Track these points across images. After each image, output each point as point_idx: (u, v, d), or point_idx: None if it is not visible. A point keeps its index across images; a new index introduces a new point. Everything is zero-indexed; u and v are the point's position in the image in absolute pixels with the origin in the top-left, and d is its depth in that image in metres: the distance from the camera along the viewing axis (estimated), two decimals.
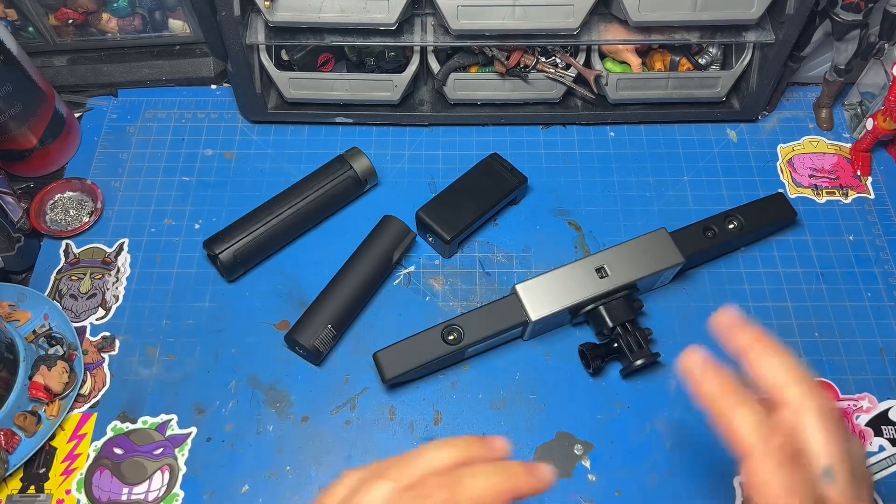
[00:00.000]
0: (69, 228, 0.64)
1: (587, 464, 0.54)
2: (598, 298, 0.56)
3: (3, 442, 0.51)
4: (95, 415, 0.56)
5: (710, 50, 0.69)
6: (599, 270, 0.56)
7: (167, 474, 0.53)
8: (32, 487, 0.53)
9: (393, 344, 0.55)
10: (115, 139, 0.71)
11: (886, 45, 0.66)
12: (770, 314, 0.61)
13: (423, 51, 0.66)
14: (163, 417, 0.55)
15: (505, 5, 0.60)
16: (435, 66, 0.66)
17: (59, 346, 0.56)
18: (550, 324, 0.57)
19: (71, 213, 0.66)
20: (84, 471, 0.53)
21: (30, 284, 0.62)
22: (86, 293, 0.61)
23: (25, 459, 0.52)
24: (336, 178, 0.63)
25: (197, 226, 0.65)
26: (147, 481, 0.53)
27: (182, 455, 0.54)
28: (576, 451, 0.54)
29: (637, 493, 0.53)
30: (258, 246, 0.60)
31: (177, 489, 0.53)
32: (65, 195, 0.66)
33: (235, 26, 0.61)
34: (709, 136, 0.71)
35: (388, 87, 0.67)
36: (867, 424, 0.56)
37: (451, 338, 0.55)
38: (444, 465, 0.34)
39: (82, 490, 0.52)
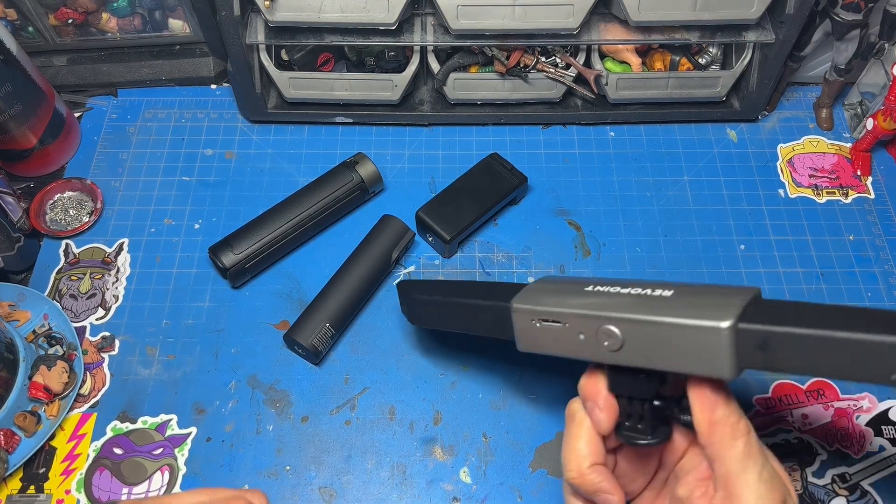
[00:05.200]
0: (69, 228, 0.64)
1: None
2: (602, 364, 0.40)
3: (2, 442, 0.51)
4: (95, 415, 0.56)
5: (710, 50, 0.69)
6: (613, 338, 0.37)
7: (167, 474, 0.53)
8: (32, 487, 0.53)
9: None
10: (115, 139, 0.71)
11: (886, 45, 0.66)
12: None
13: (423, 51, 0.66)
14: (162, 417, 0.55)
15: (505, 5, 0.60)
16: (435, 65, 0.66)
17: (58, 346, 0.56)
18: None
19: (71, 212, 0.66)
20: (84, 471, 0.53)
21: (29, 284, 0.62)
22: (85, 293, 0.61)
23: (25, 459, 0.52)
24: (343, 188, 0.63)
25: (197, 226, 0.65)
26: (147, 481, 0.53)
27: (182, 455, 0.54)
28: None
29: None
30: (265, 257, 0.60)
31: (177, 489, 0.53)
32: (64, 195, 0.66)
33: (235, 26, 0.61)
34: (709, 135, 0.71)
35: (388, 86, 0.67)
36: (867, 424, 0.56)
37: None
38: None
39: (82, 490, 0.52)
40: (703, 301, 0.35)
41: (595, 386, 0.38)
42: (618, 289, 0.38)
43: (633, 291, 0.38)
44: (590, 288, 0.40)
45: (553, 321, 0.39)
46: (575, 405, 0.39)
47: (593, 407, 0.38)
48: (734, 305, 0.33)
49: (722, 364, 0.33)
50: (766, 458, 0.35)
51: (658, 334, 0.35)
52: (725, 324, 0.32)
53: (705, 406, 0.35)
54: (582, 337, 0.38)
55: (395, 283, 0.53)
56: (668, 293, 0.36)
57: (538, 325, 0.40)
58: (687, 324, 0.34)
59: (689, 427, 0.36)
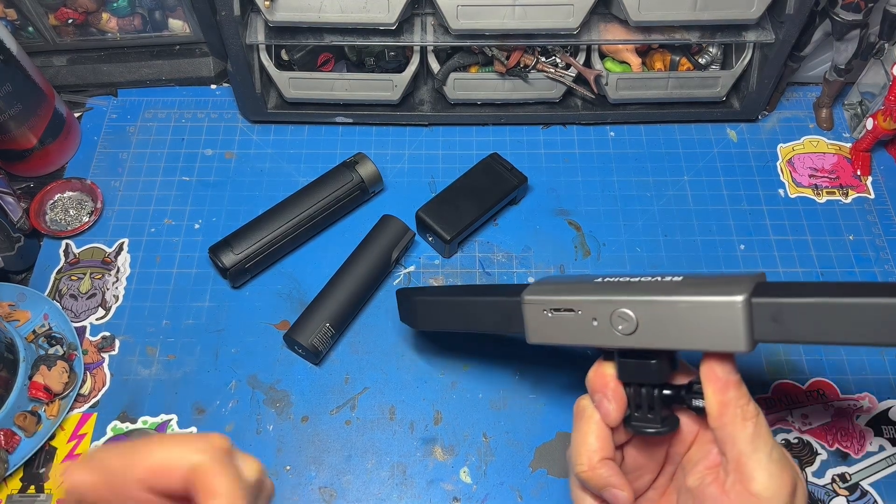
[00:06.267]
0: (69, 228, 0.64)
1: None
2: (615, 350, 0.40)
3: (3, 442, 0.51)
4: (95, 415, 0.56)
5: (710, 50, 0.69)
6: (628, 321, 0.38)
7: None
8: (32, 487, 0.53)
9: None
10: (115, 139, 0.71)
11: (886, 45, 0.66)
12: None
13: (423, 51, 0.66)
14: (163, 417, 0.55)
15: (505, 5, 0.60)
16: (435, 65, 0.66)
17: (58, 346, 0.56)
18: None
19: (71, 212, 0.66)
20: None
21: (29, 284, 0.62)
22: (86, 293, 0.61)
23: (25, 459, 0.52)
24: (343, 188, 0.63)
25: (197, 226, 0.65)
26: None
27: None
28: None
29: None
30: (265, 257, 0.60)
31: None
32: (65, 195, 0.66)
33: (235, 26, 0.61)
34: (709, 135, 0.71)
35: (388, 86, 0.67)
36: (867, 424, 0.55)
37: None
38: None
39: None
40: (714, 282, 0.36)
41: (603, 378, 0.39)
42: (627, 278, 0.39)
43: (643, 280, 0.39)
44: (599, 280, 0.40)
45: (566, 310, 0.40)
46: (584, 401, 0.40)
47: (602, 399, 0.38)
48: (745, 283, 0.35)
49: (737, 338, 0.34)
50: (775, 442, 0.35)
51: (674, 314, 0.36)
52: (740, 298, 0.34)
53: (717, 388, 0.35)
54: (595, 323, 0.39)
55: (395, 291, 0.53)
56: (677, 279, 0.37)
57: (550, 315, 0.41)
58: (703, 300, 0.35)
59: (700, 412, 0.37)
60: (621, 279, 0.40)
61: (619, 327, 0.38)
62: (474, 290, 0.49)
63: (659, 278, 0.38)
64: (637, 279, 0.39)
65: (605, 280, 0.40)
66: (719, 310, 0.34)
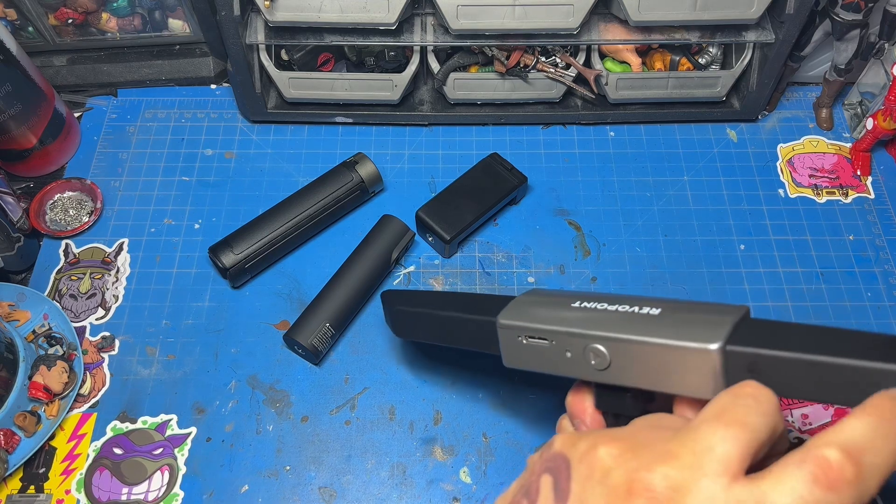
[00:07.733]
0: (69, 228, 0.64)
1: None
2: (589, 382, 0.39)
3: (2, 442, 0.51)
4: (95, 415, 0.56)
5: (710, 50, 0.69)
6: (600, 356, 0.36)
7: (167, 474, 0.53)
8: (32, 487, 0.53)
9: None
10: (115, 139, 0.71)
11: (886, 45, 0.66)
12: (770, 314, 0.61)
13: (423, 50, 0.66)
14: (162, 417, 0.55)
15: (505, 5, 0.60)
16: (435, 65, 0.66)
17: (58, 346, 0.56)
18: None
19: (70, 212, 0.66)
20: (84, 471, 0.53)
21: (29, 284, 0.62)
22: (85, 293, 0.61)
23: (25, 459, 0.52)
24: (343, 188, 0.63)
25: (197, 226, 0.65)
26: (147, 481, 0.53)
27: (182, 455, 0.54)
28: None
29: None
30: (265, 257, 0.60)
31: (176, 489, 0.53)
32: (64, 195, 0.66)
33: (235, 26, 0.61)
34: (709, 135, 0.71)
35: (387, 86, 0.67)
36: None
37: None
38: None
39: (82, 490, 0.52)
40: (692, 321, 0.33)
41: (582, 403, 0.38)
42: (605, 305, 0.37)
43: (620, 309, 0.36)
44: (577, 304, 0.38)
45: (540, 338, 0.38)
46: (564, 422, 0.40)
47: (580, 425, 0.38)
48: (723, 326, 0.32)
49: (710, 386, 0.32)
50: None
51: (646, 355, 0.34)
52: (714, 346, 0.31)
53: None
54: (569, 355, 0.37)
55: (380, 294, 0.52)
56: (655, 311, 0.35)
57: (524, 341, 0.39)
58: (676, 345, 0.33)
59: None
60: (599, 305, 0.37)
61: (593, 362, 0.36)
62: (459, 303, 0.46)
63: (637, 309, 0.36)
64: (615, 308, 0.36)
65: (584, 305, 0.38)
66: (692, 356, 0.32)
